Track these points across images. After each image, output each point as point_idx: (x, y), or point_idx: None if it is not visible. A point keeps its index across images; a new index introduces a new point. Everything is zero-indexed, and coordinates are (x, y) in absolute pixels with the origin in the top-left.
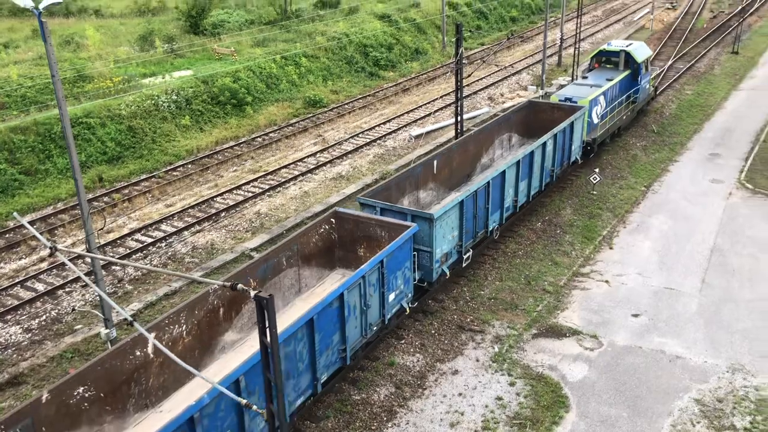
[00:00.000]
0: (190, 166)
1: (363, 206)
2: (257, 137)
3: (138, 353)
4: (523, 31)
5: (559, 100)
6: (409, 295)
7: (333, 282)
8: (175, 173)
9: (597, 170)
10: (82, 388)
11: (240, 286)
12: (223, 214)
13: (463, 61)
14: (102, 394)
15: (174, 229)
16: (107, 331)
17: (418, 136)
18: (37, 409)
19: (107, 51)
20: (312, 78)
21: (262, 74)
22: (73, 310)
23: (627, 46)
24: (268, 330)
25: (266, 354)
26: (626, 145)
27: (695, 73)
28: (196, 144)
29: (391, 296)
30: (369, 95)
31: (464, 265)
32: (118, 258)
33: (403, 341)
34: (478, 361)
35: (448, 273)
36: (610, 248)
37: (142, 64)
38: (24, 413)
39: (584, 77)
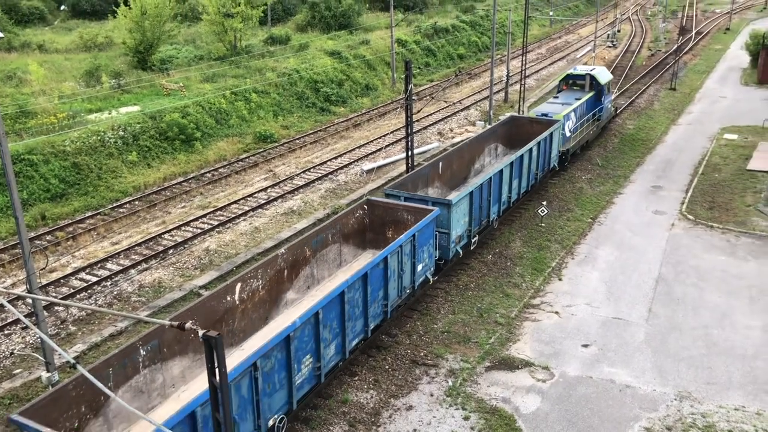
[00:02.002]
0: (137, 202)
1: (388, 196)
2: (206, 173)
3: (228, 299)
4: (471, 68)
5: (537, 116)
6: (432, 269)
7: (366, 259)
8: (121, 210)
9: (544, 203)
10: (190, 321)
11: (188, 325)
12: (171, 251)
13: (413, 97)
14: (206, 327)
15: (120, 268)
16: (49, 374)
17: (369, 171)
18: (161, 333)
19: (51, 86)
20: (262, 113)
21: (211, 110)
22: (12, 353)
23: (591, 70)
24: (217, 370)
25: (215, 395)
26: (572, 178)
27: (636, 109)
28: (143, 180)
29: (419, 267)
30: (320, 130)
31: (472, 248)
32: (61, 298)
33: (356, 378)
34: (432, 395)
35: (461, 252)
36: (559, 279)
37: (87, 100)
38: (152, 336)
39: (555, 97)
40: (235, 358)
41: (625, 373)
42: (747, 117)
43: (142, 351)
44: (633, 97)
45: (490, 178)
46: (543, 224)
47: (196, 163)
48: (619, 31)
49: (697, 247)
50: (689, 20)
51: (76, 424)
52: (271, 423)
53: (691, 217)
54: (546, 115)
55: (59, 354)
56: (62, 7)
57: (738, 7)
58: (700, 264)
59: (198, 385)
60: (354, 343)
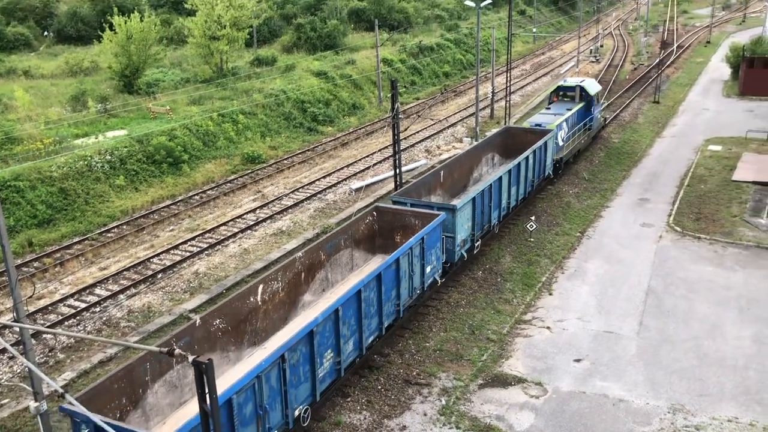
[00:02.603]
0: (125, 227)
1: (395, 203)
2: (194, 195)
3: (251, 299)
4: (456, 85)
5: (531, 126)
6: (440, 271)
7: (376, 264)
8: (109, 235)
9: (533, 218)
10: (218, 320)
11: (177, 351)
12: (160, 275)
13: (400, 116)
14: (229, 328)
15: (109, 293)
16: (37, 404)
17: (358, 189)
18: (192, 331)
19: (37, 112)
20: (250, 134)
21: (198, 132)
22: None
23: (581, 81)
24: (208, 396)
25: (206, 422)
26: (559, 193)
27: (621, 122)
28: (131, 204)
29: (428, 269)
30: (308, 150)
31: (475, 252)
32: (49, 325)
33: (349, 399)
34: (425, 415)
35: (465, 256)
36: (550, 294)
37: (74, 125)
38: (185, 333)
39: (547, 108)
40: (257, 357)
41: (618, 386)
42: (730, 128)
43: (175, 347)
44: (617, 111)
45: (491, 184)
46: (532, 239)
47: (184, 186)
48: (601, 46)
49: (686, 259)
50: (670, 34)
51: (118, 415)
52: (296, 413)
53: (678, 228)
54: (539, 125)
55: (47, 383)
56: (47, 34)
57: (717, 20)
58: (689, 275)
59: (225, 380)
60: (370, 339)
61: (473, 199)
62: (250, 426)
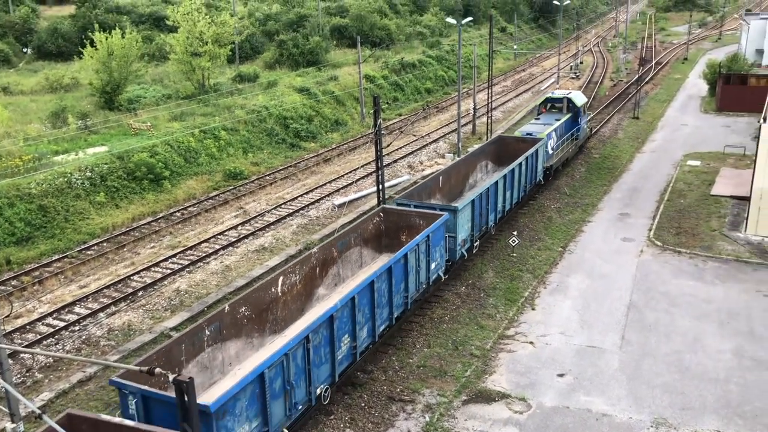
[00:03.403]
0: (105, 244)
1: (399, 205)
2: (176, 212)
3: (273, 290)
4: (438, 101)
5: (522, 135)
6: (443, 268)
7: (382, 261)
8: (89, 252)
9: (515, 233)
10: (244, 308)
11: (158, 370)
12: (140, 293)
13: (382, 132)
14: (253, 315)
15: (88, 312)
16: (14, 425)
17: (341, 205)
18: (221, 317)
19: (16, 129)
20: (232, 150)
21: (180, 148)
22: None
23: (568, 93)
24: (190, 416)
25: None
26: (541, 208)
27: (601, 138)
28: (111, 221)
29: (433, 265)
30: (291, 166)
31: (474, 251)
32: (26, 345)
33: (332, 417)
34: None
35: (465, 255)
36: (533, 309)
37: (54, 142)
38: (215, 318)
39: (537, 119)
40: (277, 344)
41: (601, 401)
42: (708, 143)
43: (207, 331)
44: (598, 127)
45: (488, 188)
46: (514, 254)
47: (165, 203)
48: (581, 62)
49: (666, 273)
50: (648, 51)
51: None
52: (318, 392)
53: (659, 243)
54: (530, 134)
55: (24, 404)
56: (26, 50)
57: (694, 37)
58: (670, 289)
59: (250, 363)
60: (382, 328)
61: (473, 201)
62: (279, 399)
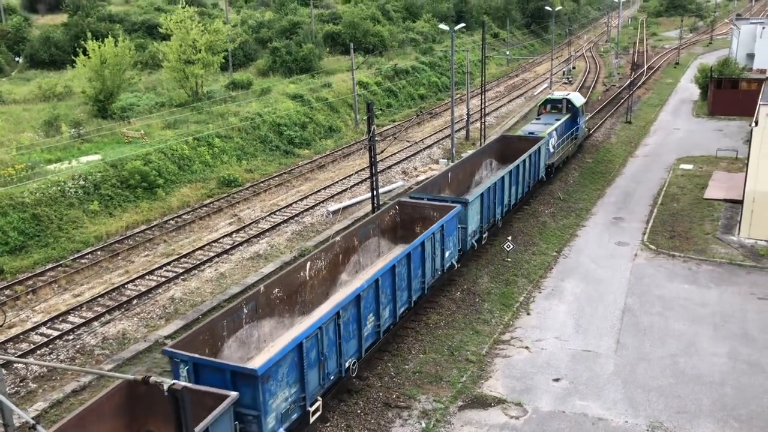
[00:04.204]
0: (99, 252)
1: (413, 198)
2: (170, 220)
3: (301, 274)
4: (432, 107)
5: (525, 134)
6: (456, 257)
7: (398, 252)
8: (83, 261)
9: (510, 238)
10: (277, 289)
11: (153, 379)
12: (135, 301)
13: (376, 138)
14: (285, 297)
15: (82, 320)
16: None
17: (335, 212)
18: (257, 296)
19: (9, 138)
20: (226, 158)
21: (173, 156)
22: None
23: (567, 95)
24: (185, 424)
25: None
26: (535, 213)
27: (594, 142)
28: (105, 230)
29: (447, 253)
30: (285, 173)
31: (483, 242)
32: (20, 354)
33: (328, 424)
34: None
35: (476, 245)
36: (528, 314)
37: (47, 150)
38: (252, 298)
39: (537, 119)
40: (305, 324)
41: (597, 405)
42: (701, 147)
43: (245, 309)
44: (591, 131)
45: (495, 183)
46: (509, 259)
47: (159, 211)
48: (574, 68)
49: (661, 277)
50: (640, 56)
51: None
52: (347, 365)
53: (653, 247)
54: (532, 133)
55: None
56: (18, 59)
57: (685, 42)
58: (664, 293)
59: (282, 341)
60: (402, 310)
61: (481, 194)
62: (314, 369)
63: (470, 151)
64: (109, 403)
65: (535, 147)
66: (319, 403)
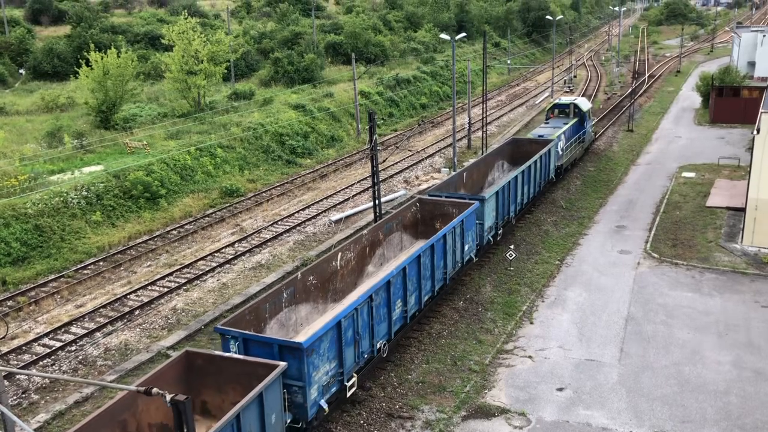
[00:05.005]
0: (101, 263)
1: (432, 196)
2: (172, 230)
3: (333, 264)
4: (434, 116)
5: (534, 137)
6: (475, 251)
7: (418, 246)
8: (85, 271)
9: (512, 247)
10: (312, 276)
11: (155, 390)
12: (137, 312)
13: (378, 147)
14: (319, 284)
15: (85, 331)
16: None
17: (337, 221)
18: (295, 282)
19: (12, 149)
20: (228, 168)
21: (176, 166)
22: None
23: (574, 100)
24: None
25: None
26: (538, 221)
27: (596, 150)
28: (107, 240)
29: (466, 247)
30: (287, 182)
31: (498, 238)
32: (22, 366)
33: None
34: None
35: (491, 240)
36: (531, 323)
37: (49, 161)
38: (290, 283)
39: (546, 123)
40: (337, 310)
41: (601, 415)
42: (703, 155)
43: (284, 294)
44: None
45: (509, 182)
46: (512, 268)
47: (162, 221)
48: (575, 76)
49: (664, 285)
50: (641, 64)
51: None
52: (378, 345)
53: (655, 255)
54: (542, 136)
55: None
56: (22, 71)
57: (686, 50)
58: (668, 301)
59: (317, 325)
60: (426, 297)
61: (497, 192)
62: (350, 347)
63: (471, 161)
64: (170, 373)
65: (546, 149)
66: (354, 379)
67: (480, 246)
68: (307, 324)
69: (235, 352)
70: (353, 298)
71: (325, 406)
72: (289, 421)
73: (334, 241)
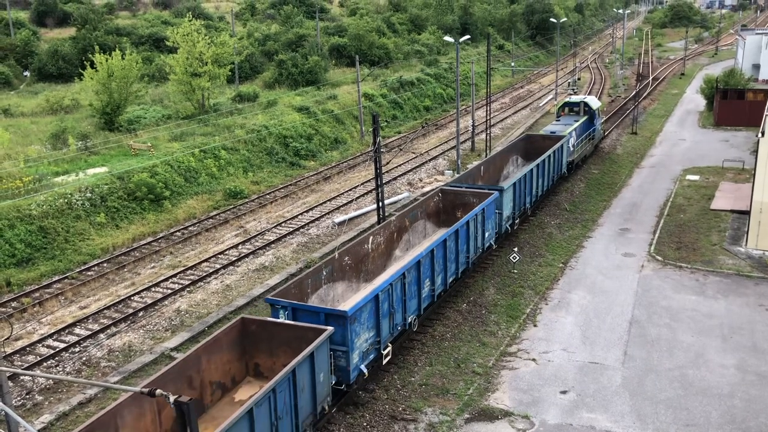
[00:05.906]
0: (105, 264)
1: (453, 187)
2: (176, 232)
3: (365, 246)
4: (437, 119)
5: (547, 133)
6: (494, 238)
7: (441, 233)
8: (89, 273)
9: (516, 249)
10: (347, 257)
11: (159, 391)
12: (141, 313)
13: (382, 149)
14: (353, 264)
15: (88, 333)
16: None
17: (341, 223)
18: (332, 262)
19: (17, 150)
20: (232, 170)
21: (180, 168)
22: None
23: (584, 98)
24: None
25: None
26: (541, 224)
27: (600, 153)
28: (111, 242)
29: (486, 234)
30: (291, 184)
31: (515, 228)
32: (26, 367)
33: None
34: None
35: (509, 229)
36: (535, 326)
37: (54, 163)
38: (329, 262)
39: (557, 120)
40: (368, 290)
41: (605, 418)
42: (707, 158)
43: (324, 272)
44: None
45: (525, 174)
46: (515, 271)
47: (166, 223)
48: (579, 79)
49: (668, 288)
50: (645, 67)
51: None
52: (409, 320)
53: (659, 258)
54: (554, 132)
55: (25, 427)
56: (27, 73)
57: (691, 53)
58: (672, 304)
59: (352, 302)
60: (451, 279)
61: (514, 184)
62: (386, 318)
63: (477, 163)
64: (226, 338)
65: (558, 144)
66: (389, 348)
67: (498, 234)
68: (343, 301)
69: (285, 319)
70: (383, 279)
71: (365, 371)
72: (333, 383)
73: (337, 243)
